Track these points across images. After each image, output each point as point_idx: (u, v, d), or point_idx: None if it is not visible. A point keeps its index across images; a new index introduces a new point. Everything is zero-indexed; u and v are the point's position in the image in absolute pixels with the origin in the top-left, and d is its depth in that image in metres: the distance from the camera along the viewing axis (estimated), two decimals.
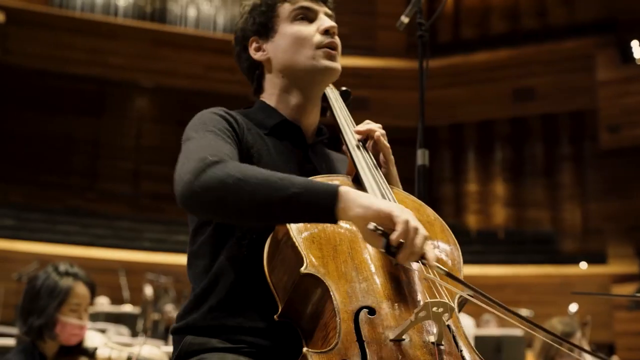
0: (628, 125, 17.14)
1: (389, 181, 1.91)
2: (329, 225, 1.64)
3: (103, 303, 10.74)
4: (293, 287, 1.59)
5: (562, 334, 4.12)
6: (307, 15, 1.94)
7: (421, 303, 1.56)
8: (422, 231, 1.53)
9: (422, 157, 2.81)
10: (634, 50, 17.93)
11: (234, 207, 1.56)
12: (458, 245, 1.83)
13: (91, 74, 18.16)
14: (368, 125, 1.96)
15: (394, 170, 1.98)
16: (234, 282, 1.76)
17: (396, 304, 1.58)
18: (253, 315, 1.72)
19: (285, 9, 1.94)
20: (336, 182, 1.62)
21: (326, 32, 1.92)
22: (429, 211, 1.88)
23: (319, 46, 1.91)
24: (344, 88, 2.12)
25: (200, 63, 18.61)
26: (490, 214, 19.39)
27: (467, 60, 19.26)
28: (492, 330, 9.85)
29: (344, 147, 1.94)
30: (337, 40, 1.95)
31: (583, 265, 16.33)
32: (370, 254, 1.65)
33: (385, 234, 1.50)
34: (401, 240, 1.49)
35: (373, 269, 1.62)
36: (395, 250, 1.50)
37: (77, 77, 18.19)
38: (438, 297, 1.58)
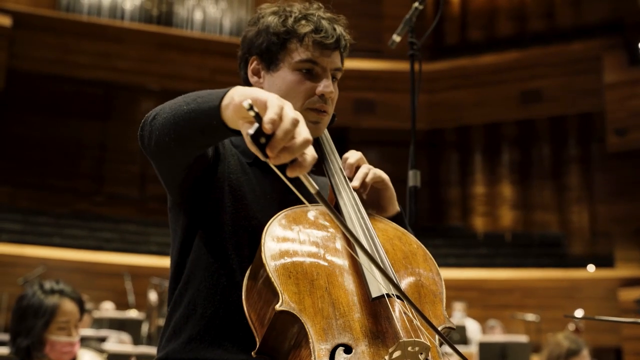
0: (635, 127, 17.05)
1: (387, 205, 1.93)
2: (306, 258, 1.62)
3: (108, 309, 10.77)
4: (269, 322, 1.57)
5: (568, 351, 4.11)
6: (312, 70, 1.87)
7: (400, 336, 1.54)
8: (303, 124, 1.33)
9: (413, 178, 2.80)
10: None
11: (163, 127, 1.61)
12: (441, 275, 1.80)
13: (98, 78, 18.21)
14: (356, 164, 1.91)
15: (391, 188, 1.96)
16: (214, 312, 1.75)
17: (373, 342, 1.54)
18: (232, 348, 1.71)
19: (295, 51, 1.87)
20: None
21: (322, 95, 1.87)
22: (412, 239, 1.86)
23: (309, 106, 1.87)
24: None
25: (206, 66, 18.63)
26: (498, 216, 19.33)
27: (474, 62, 19.22)
28: (497, 336, 9.82)
29: (325, 173, 1.93)
30: (328, 106, 1.89)
31: (591, 268, 16.25)
32: (348, 288, 1.62)
33: (259, 118, 1.27)
34: (274, 130, 1.28)
35: (351, 304, 1.59)
36: (265, 142, 1.27)
37: (84, 81, 18.25)
38: (414, 335, 1.56)
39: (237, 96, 1.42)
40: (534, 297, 15.36)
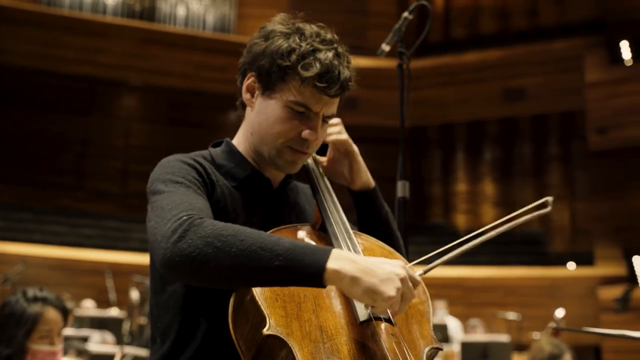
0: (616, 126, 17.19)
1: (354, 177, 1.97)
2: None
3: (89, 307, 10.71)
4: (257, 347, 1.55)
5: (551, 355, 4.14)
6: (304, 113, 1.81)
7: None
8: (408, 295, 1.54)
9: (402, 189, 2.81)
10: (622, 51, 17.96)
11: (215, 278, 1.51)
12: (427, 293, 1.80)
13: (80, 73, 18.07)
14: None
15: (359, 161, 2.00)
16: (204, 338, 1.73)
17: None
18: None
19: (292, 89, 1.79)
20: (322, 246, 1.58)
21: (305, 139, 1.82)
22: (399, 258, 1.84)
23: (290, 145, 1.82)
24: None
25: (190, 62, 18.56)
26: (479, 213, 19.41)
27: (457, 60, 19.27)
28: (479, 336, 9.88)
29: (312, 193, 1.93)
30: (311, 148, 1.85)
31: (571, 266, 16.37)
32: (335, 311, 1.62)
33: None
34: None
35: (338, 327, 1.58)
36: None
37: (66, 76, 18.10)
38: (401, 356, 1.56)
39: (349, 279, 1.48)
40: (515, 295, 15.46)
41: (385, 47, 3.10)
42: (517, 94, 18.86)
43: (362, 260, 1.51)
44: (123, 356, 6.28)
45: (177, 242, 1.50)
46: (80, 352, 5.35)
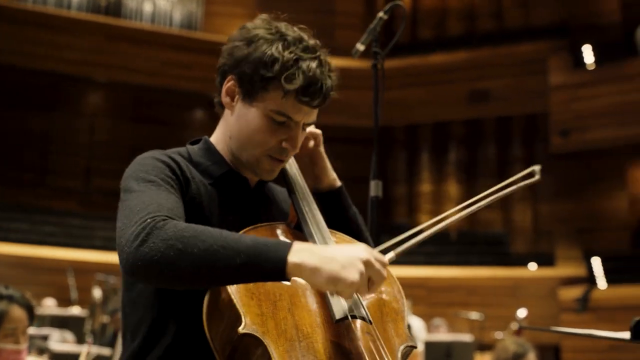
0: (579, 129, 17.45)
1: (321, 176, 1.97)
2: None
3: (50, 305, 10.57)
4: (232, 345, 1.55)
5: (515, 355, 4.19)
6: (284, 123, 1.79)
7: (364, 359, 1.54)
8: (375, 264, 1.54)
9: (375, 188, 2.83)
10: (585, 55, 18.23)
11: (179, 280, 1.52)
12: (402, 292, 1.81)
13: (44, 68, 17.83)
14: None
15: (325, 159, 1.99)
16: (175, 336, 1.72)
17: None
18: None
19: (273, 98, 1.77)
20: (282, 240, 1.59)
21: (284, 149, 1.81)
22: None
23: (268, 153, 1.81)
24: None
25: (156, 59, 18.42)
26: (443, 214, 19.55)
27: (424, 61, 19.39)
28: (442, 335, 9.96)
29: (288, 191, 1.93)
30: (289, 156, 1.84)
31: (532, 266, 16.58)
32: (311, 309, 1.62)
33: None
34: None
35: (314, 325, 1.58)
36: None
37: (29, 71, 17.85)
38: (377, 356, 1.56)
39: (310, 269, 1.48)
40: (477, 295, 15.61)
41: (360, 47, 3.12)
42: (482, 95, 19.04)
43: (322, 249, 1.52)
44: (87, 354, 6.21)
45: (140, 247, 1.50)
46: (42, 351, 5.29)
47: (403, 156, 20.30)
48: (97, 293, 9.44)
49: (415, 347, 1.73)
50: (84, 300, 11.74)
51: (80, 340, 8.82)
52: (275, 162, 1.84)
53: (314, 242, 1.73)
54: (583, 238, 17.40)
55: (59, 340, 7.67)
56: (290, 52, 1.76)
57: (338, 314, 1.60)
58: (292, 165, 1.98)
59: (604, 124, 17.19)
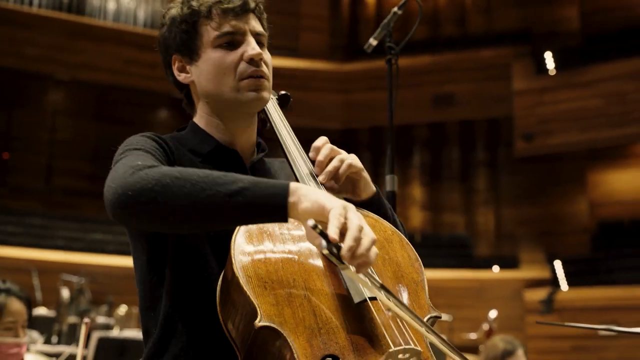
0: (542, 133, 17.71)
1: (360, 193, 1.84)
2: (280, 264, 1.54)
3: None
4: (250, 338, 1.48)
5: (504, 352, 4.19)
6: (233, 40, 1.78)
7: (387, 343, 1.48)
8: (368, 231, 1.41)
9: (391, 183, 2.84)
10: (547, 61, 18.52)
11: (173, 209, 1.42)
12: (420, 260, 1.74)
13: (4, 65, 17.47)
14: (326, 159, 1.81)
15: (365, 177, 1.85)
16: (194, 327, 1.66)
17: (360, 348, 1.48)
18: None
19: (208, 31, 1.78)
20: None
21: (251, 60, 1.78)
22: (386, 225, 1.78)
23: (243, 76, 1.77)
24: (282, 92, 2.02)
25: (119, 57, 18.18)
26: (408, 217, 19.66)
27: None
28: None
29: (287, 162, 1.86)
30: (263, 68, 1.80)
31: (496, 269, 16.76)
32: (327, 293, 1.54)
33: (324, 235, 1.36)
34: (341, 244, 1.36)
35: (332, 310, 1.51)
36: (337, 252, 1.36)
37: None
38: (401, 338, 1.50)
39: (306, 201, 1.42)
40: (443, 297, 15.69)
41: (373, 42, 3.11)
42: (446, 99, 19.20)
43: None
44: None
45: (131, 176, 1.45)
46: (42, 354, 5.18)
47: (368, 158, 20.33)
48: (64, 293, 9.25)
49: (440, 317, 1.66)
50: (49, 300, 11.51)
51: (48, 340, 8.66)
52: (255, 80, 1.79)
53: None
54: (545, 241, 17.67)
55: (27, 341, 7.49)
56: None
57: (357, 297, 1.53)
58: (279, 120, 1.92)
59: (565, 128, 17.49)
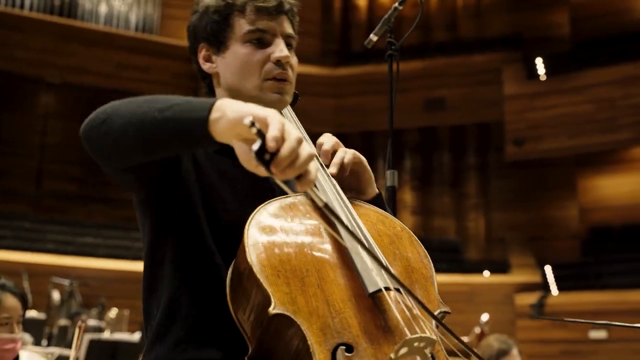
0: (532, 138, 17.78)
1: (366, 188, 1.84)
2: (294, 254, 1.54)
3: None
4: (262, 327, 1.48)
5: (499, 351, 4.20)
6: (263, 38, 1.79)
7: (402, 331, 1.49)
8: (306, 144, 1.32)
9: (391, 178, 2.84)
10: (537, 67, 18.62)
11: (118, 127, 1.45)
12: (428, 256, 1.74)
13: None
14: (332, 149, 1.80)
15: (369, 170, 1.85)
16: (199, 311, 1.66)
17: (374, 338, 1.49)
18: (223, 347, 1.62)
19: (240, 25, 1.79)
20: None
21: (278, 61, 1.78)
22: (395, 222, 1.77)
23: (268, 77, 1.77)
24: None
25: (111, 61, 18.17)
26: None
27: (380, 69, 19.50)
28: None
29: None
30: (289, 72, 1.80)
31: (486, 274, 16.80)
32: (340, 283, 1.55)
33: (262, 134, 1.26)
34: (278, 149, 1.27)
35: (345, 299, 1.52)
36: (270, 159, 1.26)
37: None
38: (417, 326, 1.50)
39: (231, 112, 1.34)
40: None
41: (373, 37, 3.11)
42: (438, 104, 19.26)
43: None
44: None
45: (93, 114, 1.52)
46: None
47: None
48: (55, 295, 9.22)
49: (449, 313, 1.67)
50: (39, 303, 11.46)
51: (38, 343, 8.63)
52: (279, 83, 1.80)
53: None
54: (536, 246, 17.72)
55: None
56: None
57: (371, 287, 1.53)
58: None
59: (556, 133, 17.57)
